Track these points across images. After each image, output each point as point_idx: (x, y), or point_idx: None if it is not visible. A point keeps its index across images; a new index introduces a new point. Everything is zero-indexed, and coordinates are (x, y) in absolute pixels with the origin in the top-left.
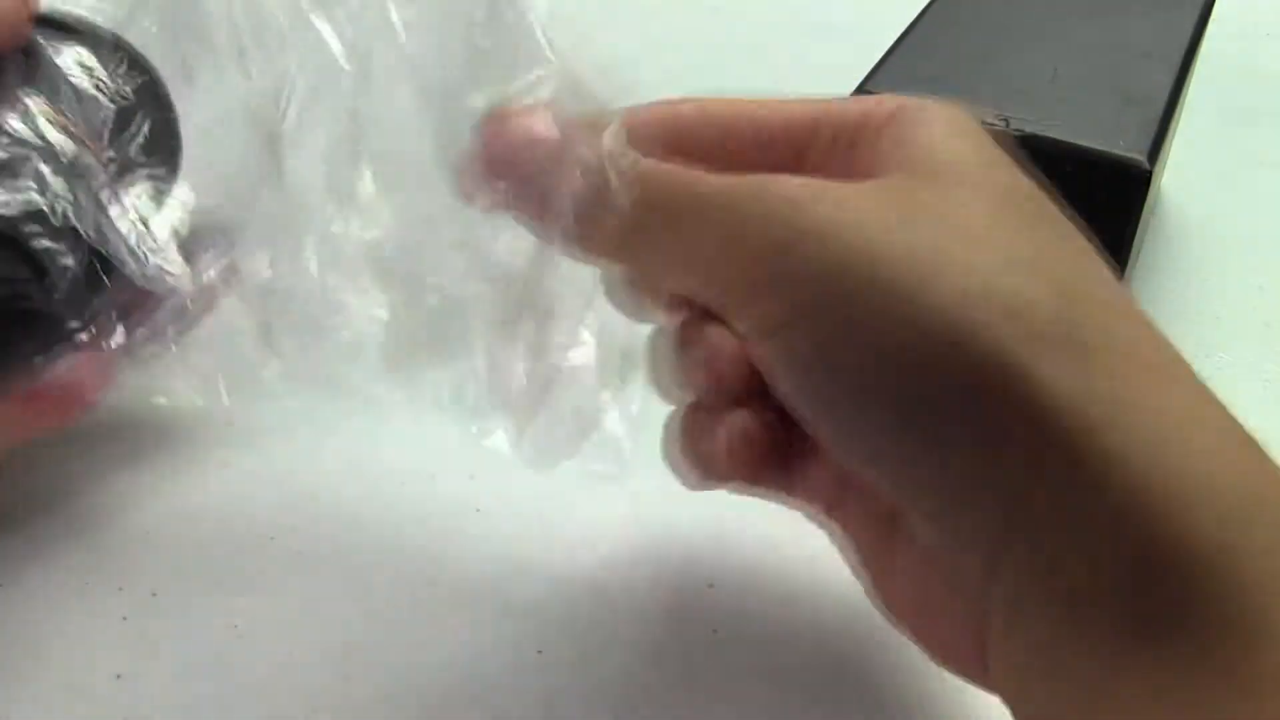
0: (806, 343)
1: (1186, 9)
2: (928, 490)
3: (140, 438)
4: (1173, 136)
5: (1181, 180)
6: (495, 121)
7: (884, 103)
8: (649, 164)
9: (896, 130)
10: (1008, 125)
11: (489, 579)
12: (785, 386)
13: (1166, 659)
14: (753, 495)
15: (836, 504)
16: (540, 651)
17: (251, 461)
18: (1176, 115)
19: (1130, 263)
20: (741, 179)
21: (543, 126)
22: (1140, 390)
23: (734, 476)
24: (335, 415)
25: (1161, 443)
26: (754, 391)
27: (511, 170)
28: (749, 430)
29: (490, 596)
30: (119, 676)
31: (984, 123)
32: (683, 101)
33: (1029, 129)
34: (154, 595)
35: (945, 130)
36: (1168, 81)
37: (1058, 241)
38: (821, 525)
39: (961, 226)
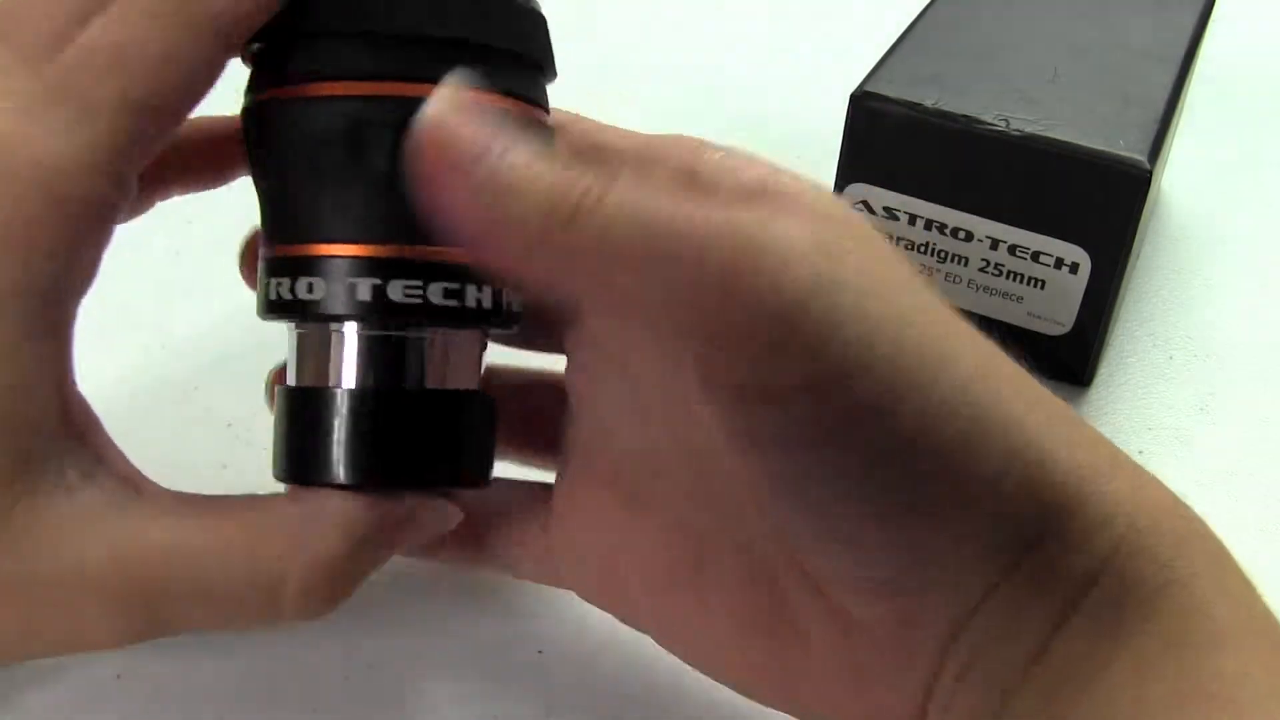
0: (818, 413)
1: (1187, 9)
2: (911, 569)
3: (140, 438)
4: (1173, 136)
5: (1181, 180)
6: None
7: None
8: (622, 185)
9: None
10: (1008, 125)
11: (489, 579)
12: (769, 460)
13: (1120, 674)
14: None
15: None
16: (540, 651)
17: (252, 461)
18: (1177, 115)
19: (1130, 263)
20: (732, 218)
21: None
22: (1097, 452)
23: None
24: None
25: (1127, 504)
26: None
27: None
28: None
29: (490, 597)
30: (119, 676)
31: (984, 123)
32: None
33: (1029, 129)
34: None
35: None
36: (1168, 82)
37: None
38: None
39: (916, 294)
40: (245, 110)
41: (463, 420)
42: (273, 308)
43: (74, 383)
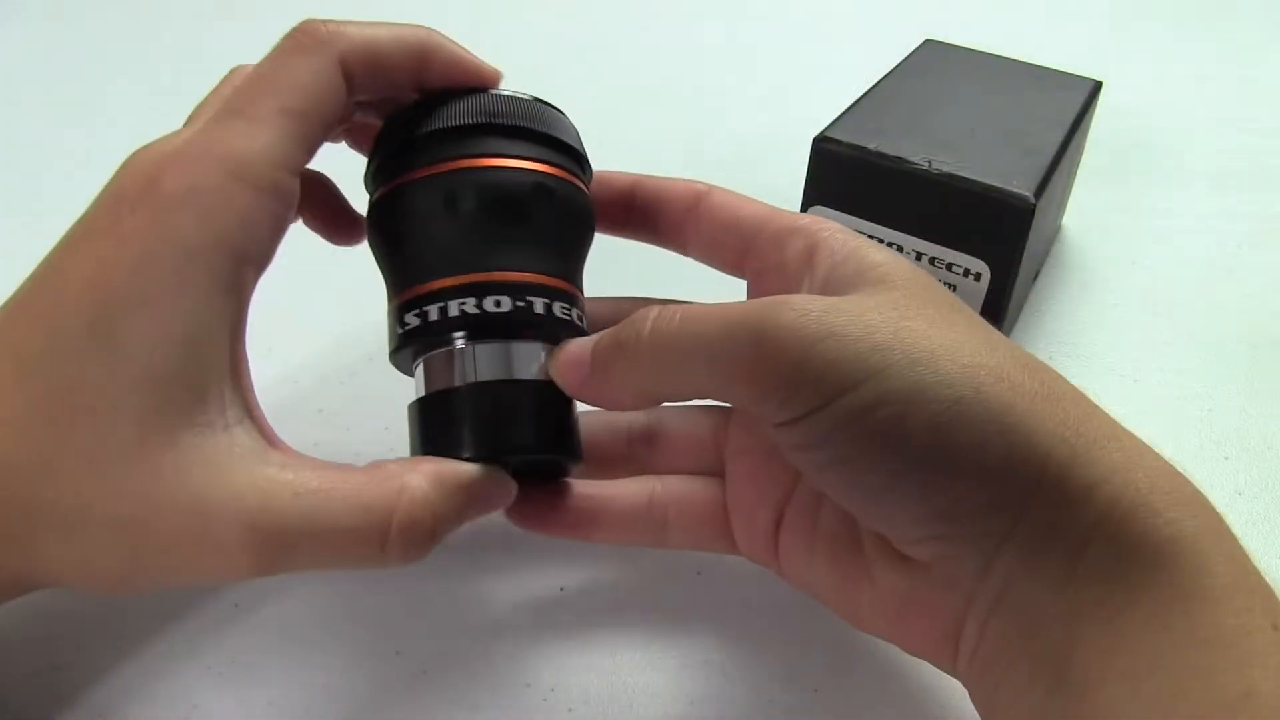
0: (836, 419)
1: (1077, 90)
2: (933, 521)
3: None
4: (1071, 184)
5: (1082, 224)
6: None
7: (806, 225)
8: (669, 314)
9: (840, 253)
10: (930, 166)
11: (491, 579)
12: (812, 458)
13: (1133, 618)
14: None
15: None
16: (541, 652)
17: (337, 441)
18: (1068, 165)
19: (1027, 281)
20: (758, 302)
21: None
22: (1094, 427)
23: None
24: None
25: (1122, 468)
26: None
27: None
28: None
29: (492, 596)
30: (236, 605)
31: (912, 163)
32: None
33: (946, 169)
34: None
35: (883, 255)
36: (1056, 140)
37: (985, 328)
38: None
39: (938, 322)
40: (374, 200)
41: (546, 400)
42: (404, 340)
43: (244, 339)
